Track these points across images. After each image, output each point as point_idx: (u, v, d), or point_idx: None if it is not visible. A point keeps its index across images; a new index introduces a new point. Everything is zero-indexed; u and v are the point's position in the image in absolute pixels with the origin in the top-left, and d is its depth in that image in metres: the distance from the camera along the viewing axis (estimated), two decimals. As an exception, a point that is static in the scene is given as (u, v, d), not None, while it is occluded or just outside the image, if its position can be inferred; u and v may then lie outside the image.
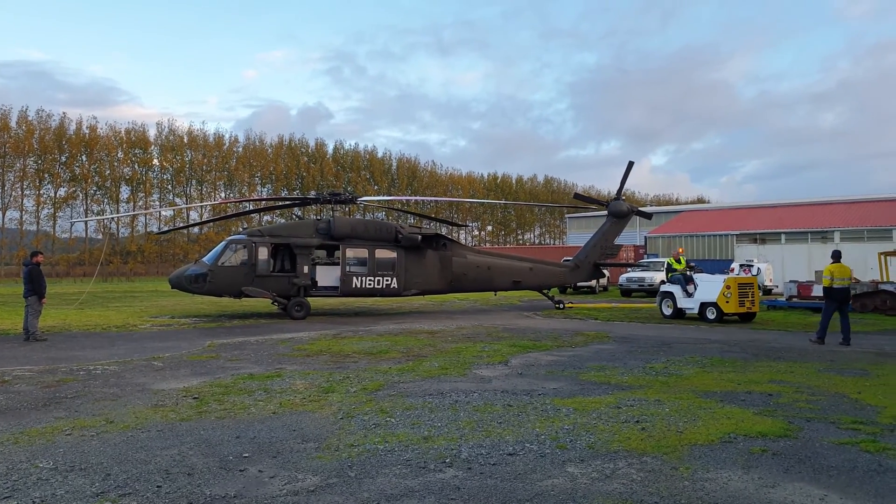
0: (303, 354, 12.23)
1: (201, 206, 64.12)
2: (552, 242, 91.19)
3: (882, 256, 24.52)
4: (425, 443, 6.28)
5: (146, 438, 6.46)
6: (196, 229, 67.57)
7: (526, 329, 16.92)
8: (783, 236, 37.37)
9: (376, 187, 76.26)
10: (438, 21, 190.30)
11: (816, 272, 26.29)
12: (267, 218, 65.46)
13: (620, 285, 33.48)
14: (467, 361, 11.28)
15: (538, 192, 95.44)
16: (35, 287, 14.56)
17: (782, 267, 33.88)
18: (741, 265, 32.73)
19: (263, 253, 19.91)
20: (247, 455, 5.92)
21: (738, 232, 39.20)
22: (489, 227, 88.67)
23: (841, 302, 14.12)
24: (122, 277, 56.01)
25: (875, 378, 9.75)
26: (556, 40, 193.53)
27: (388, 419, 7.18)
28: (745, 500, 4.80)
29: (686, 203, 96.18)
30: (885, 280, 23.20)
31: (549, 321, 19.55)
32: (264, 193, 72.53)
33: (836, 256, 14.43)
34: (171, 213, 63.45)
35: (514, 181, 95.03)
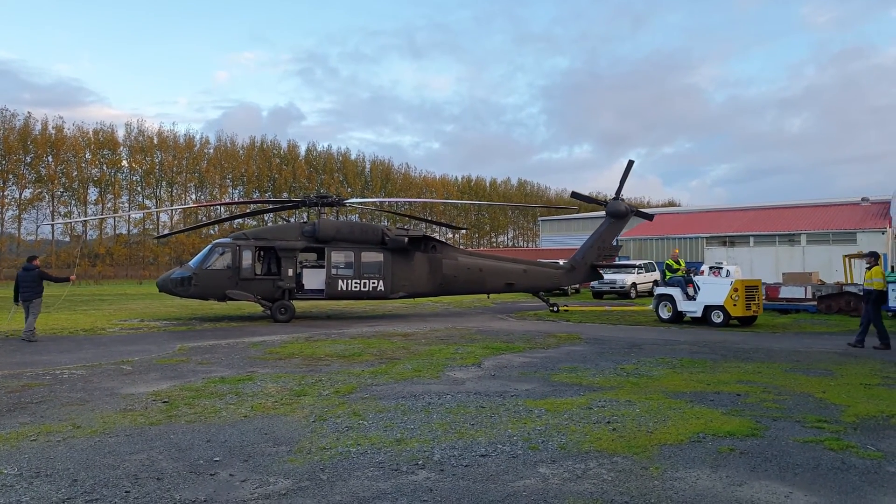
0: (275, 358, 12.13)
1: (171, 210, 63.20)
2: (526, 245, 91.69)
3: (846, 259, 25.11)
4: (398, 445, 6.27)
5: (114, 443, 6.36)
6: (167, 231, 66.61)
7: (499, 331, 16.99)
8: (752, 239, 38.08)
9: (349, 189, 75.90)
10: (410, 23, 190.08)
11: (784, 274, 26.84)
12: (238, 221, 64.87)
13: (592, 287, 33.78)
14: (440, 363, 11.29)
15: (512, 195, 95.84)
16: (39, 290, 15.45)
17: (751, 269, 34.46)
18: (711, 267, 33.23)
19: (248, 256, 19.93)
20: (217, 459, 5.86)
21: (707, 235, 39.85)
22: (463, 231, 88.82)
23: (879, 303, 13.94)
24: (90, 280, 54.92)
25: (839, 378, 9.99)
26: (528, 44, 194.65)
27: (360, 422, 7.16)
28: (713, 499, 4.89)
29: (657, 206, 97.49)
30: (849, 282, 23.75)
31: (522, 323, 19.66)
32: (236, 195, 71.78)
33: (877, 257, 14.32)
34: (141, 215, 62.40)
35: (487, 184, 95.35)
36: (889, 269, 27.10)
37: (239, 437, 6.57)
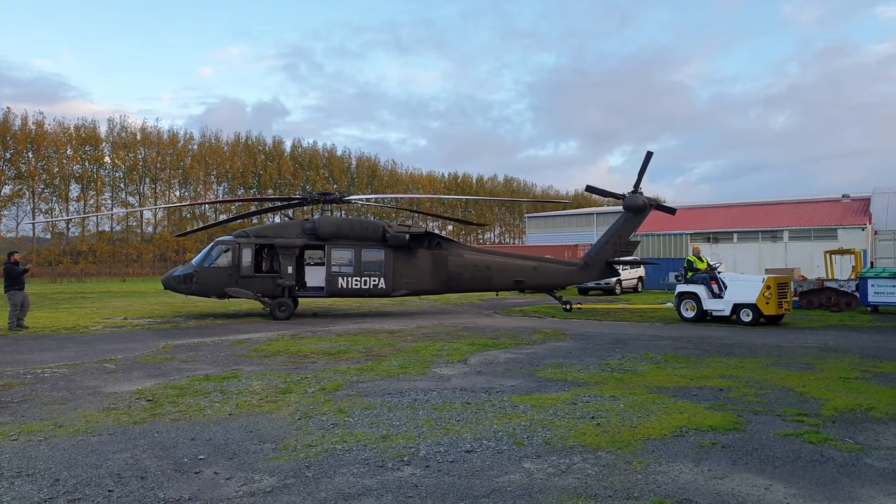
0: (260, 355, 12.09)
1: (157, 207, 62.68)
2: (512, 242, 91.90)
3: (828, 255, 25.42)
4: (383, 442, 6.29)
5: (97, 442, 6.32)
6: (150, 229, 66.16)
7: (485, 328, 17.03)
8: (735, 235, 38.45)
9: (335, 186, 75.64)
10: (396, 19, 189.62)
11: (766, 270, 27.11)
12: (225, 217, 64.35)
13: (578, 284, 33.89)
14: (427, 360, 11.31)
15: (498, 192, 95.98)
16: (9, 284, 16.77)
17: (734, 265, 34.86)
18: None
19: (247, 254, 20.00)
20: (202, 457, 5.84)
21: (692, 231, 40.16)
22: (450, 227, 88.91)
23: None
24: (73, 278, 54.33)
25: (819, 372, 10.13)
26: (515, 40, 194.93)
27: (346, 419, 7.17)
28: (694, 492, 4.95)
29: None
30: (830, 277, 24.06)
31: (509, 319, 19.72)
32: (221, 192, 71.31)
33: None
34: (125, 212, 61.83)
35: (474, 181, 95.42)
36: (868, 265, 27.50)
37: (224, 435, 6.55)
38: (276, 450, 6.05)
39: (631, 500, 4.80)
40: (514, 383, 9.25)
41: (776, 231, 37.35)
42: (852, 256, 25.07)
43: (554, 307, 23.95)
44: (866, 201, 39.10)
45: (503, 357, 11.79)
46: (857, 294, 21.36)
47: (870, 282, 20.58)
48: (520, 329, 16.59)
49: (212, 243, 20.76)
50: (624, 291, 33.84)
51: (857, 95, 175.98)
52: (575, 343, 13.84)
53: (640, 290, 35.44)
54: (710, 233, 39.29)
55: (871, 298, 20.55)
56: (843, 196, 41.32)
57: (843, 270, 27.24)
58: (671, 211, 25.82)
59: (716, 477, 5.29)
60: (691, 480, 5.20)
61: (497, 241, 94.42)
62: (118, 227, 64.00)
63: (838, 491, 4.99)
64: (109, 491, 4.99)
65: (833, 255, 25.56)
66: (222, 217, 64.10)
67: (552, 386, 9.05)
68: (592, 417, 7.17)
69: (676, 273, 35.63)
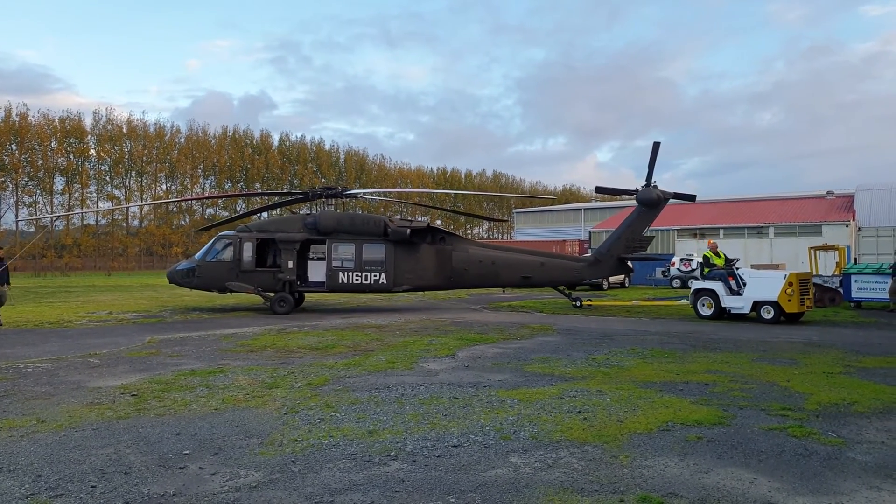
0: (246, 350, 12.02)
1: (141, 204, 62.15)
2: (500, 237, 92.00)
3: (812, 251, 25.65)
4: (370, 436, 6.27)
5: (80, 438, 6.25)
6: (136, 222, 65.64)
7: (473, 322, 17.03)
8: (721, 231, 38.73)
9: (324, 180, 75.34)
10: (385, 12, 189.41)
11: (753, 266, 27.30)
12: (211, 211, 63.95)
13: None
14: (414, 355, 11.29)
15: (487, 187, 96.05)
16: None
17: (720, 261, 35.02)
18: (681, 259, 33.81)
19: (248, 248, 19.99)
20: (187, 452, 5.80)
21: (678, 227, 40.40)
22: (438, 222, 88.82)
23: None
24: (57, 272, 53.75)
25: (803, 367, 10.22)
26: (504, 35, 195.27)
27: (333, 414, 7.14)
28: (680, 486, 4.98)
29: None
30: (815, 273, 24.25)
31: (497, 314, 19.74)
32: (208, 185, 70.83)
33: None
34: (111, 205, 61.27)
35: (463, 176, 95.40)
36: (852, 261, 27.78)
37: (209, 430, 6.51)
38: (262, 445, 6.01)
39: (617, 494, 4.82)
40: (501, 378, 9.26)
41: (762, 227, 37.65)
42: (836, 252, 25.31)
43: (542, 302, 24.03)
44: (850, 198, 39.50)
45: (491, 352, 11.80)
46: (840, 290, 21.56)
47: (853, 278, 20.79)
48: (508, 324, 16.60)
49: (214, 238, 20.77)
50: (611, 287, 33.95)
51: (842, 93, 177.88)
52: (562, 338, 13.87)
53: (626, 285, 35.56)
54: (696, 228, 39.55)
55: (855, 294, 20.76)
56: (828, 193, 41.73)
57: (827, 266, 27.49)
58: (691, 198, 24.65)
59: (701, 471, 5.32)
60: (677, 474, 5.23)
61: (485, 236, 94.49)
62: (103, 221, 63.42)
63: (822, 484, 5.03)
64: (93, 486, 4.94)
65: (817, 251, 25.80)
66: (209, 211, 63.75)
67: (539, 380, 9.06)
68: (579, 412, 7.19)
69: (663, 269, 35.74)
